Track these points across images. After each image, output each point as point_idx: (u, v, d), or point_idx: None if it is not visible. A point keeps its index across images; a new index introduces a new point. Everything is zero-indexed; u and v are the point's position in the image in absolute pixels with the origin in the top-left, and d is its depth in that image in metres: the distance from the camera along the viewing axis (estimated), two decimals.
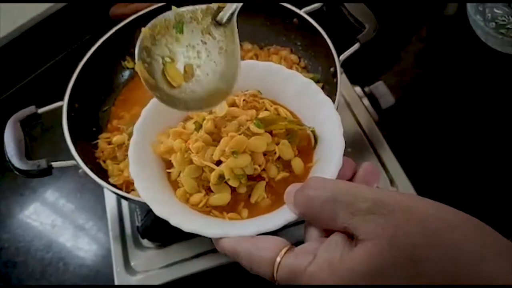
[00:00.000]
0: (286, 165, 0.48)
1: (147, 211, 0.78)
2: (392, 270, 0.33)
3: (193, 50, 0.50)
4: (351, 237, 0.36)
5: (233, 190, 0.47)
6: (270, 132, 0.48)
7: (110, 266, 0.80)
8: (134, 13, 0.85)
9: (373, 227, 0.34)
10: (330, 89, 0.79)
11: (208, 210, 0.47)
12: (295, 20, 0.86)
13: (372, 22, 0.78)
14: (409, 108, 0.96)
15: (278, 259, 0.37)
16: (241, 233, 0.41)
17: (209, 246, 0.77)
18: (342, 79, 0.74)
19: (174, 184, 0.50)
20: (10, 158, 0.71)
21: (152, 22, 0.48)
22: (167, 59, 0.49)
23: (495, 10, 0.88)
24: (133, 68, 0.91)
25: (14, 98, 1.08)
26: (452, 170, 0.86)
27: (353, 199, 0.36)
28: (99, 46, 0.83)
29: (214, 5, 0.49)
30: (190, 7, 0.48)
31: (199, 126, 0.49)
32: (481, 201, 0.80)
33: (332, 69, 0.78)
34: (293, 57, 0.88)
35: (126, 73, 0.91)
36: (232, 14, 0.49)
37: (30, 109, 0.77)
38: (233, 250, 0.41)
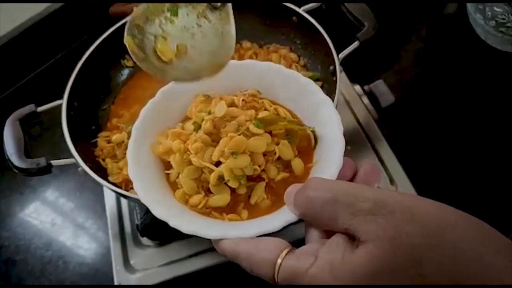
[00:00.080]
0: (286, 165, 0.48)
1: (147, 210, 0.78)
2: (394, 271, 0.33)
3: (188, 32, 0.50)
4: (352, 238, 0.36)
5: (233, 191, 0.46)
6: (270, 132, 0.48)
7: (109, 264, 0.80)
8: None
9: (374, 227, 0.34)
10: (329, 88, 0.79)
11: (208, 211, 0.47)
12: (294, 18, 0.86)
13: (372, 20, 0.78)
14: (409, 107, 0.96)
15: (279, 260, 0.37)
16: (241, 235, 0.41)
17: (208, 244, 0.77)
18: (341, 77, 0.74)
19: (173, 185, 0.49)
20: (9, 157, 0.71)
21: (144, 4, 0.48)
22: (160, 38, 0.49)
23: (495, 9, 0.87)
24: (132, 67, 0.91)
25: (14, 97, 1.08)
26: (452, 169, 0.86)
27: (354, 199, 0.36)
28: (99, 44, 0.83)
29: None
30: None
31: (198, 127, 0.49)
32: (481, 199, 0.80)
33: (331, 68, 0.77)
34: (293, 56, 0.88)
35: (126, 72, 0.91)
36: None
37: (30, 108, 0.77)
38: (233, 251, 0.40)
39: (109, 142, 0.80)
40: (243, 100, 0.51)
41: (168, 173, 0.50)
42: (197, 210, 0.47)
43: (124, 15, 0.85)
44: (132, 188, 0.73)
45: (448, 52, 1.02)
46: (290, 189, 0.42)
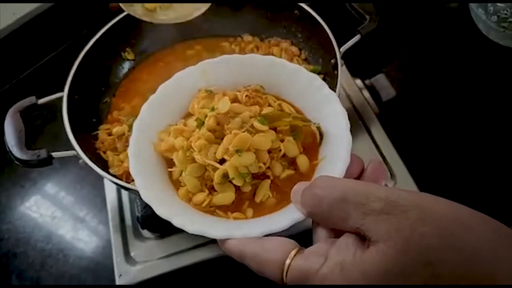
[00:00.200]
0: (291, 162, 0.47)
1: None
2: (407, 271, 0.32)
3: None
4: (362, 238, 0.35)
5: (237, 189, 0.45)
6: (274, 129, 0.47)
7: (109, 257, 0.81)
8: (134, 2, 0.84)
9: (387, 227, 0.33)
10: (330, 81, 0.79)
11: (212, 209, 0.46)
12: (296, 11, 0.85)
13: (373, 14, 0.78)
14: (410, 101, 0.96)
15: (288, 261, 0.36)
16: (247, 234, 0.40)
17: (208, 237, 0.77)
18: (342, 71, 0.74)
19: (176, 183, 0.49)
20: (10, 148, 0.71)
21: None
22: None
23: (498, 4, 0.87)
24: (133, 59, 0.91)
25: (15, 90, 1.07)
26: (453, 163, 0.86)
27: (365, 199, 0.35)
28: (99, 37, 0.83)
29: None
30: None
31: (201, 123, 0.48)
32: (482, 194, 0.80)
33: (333, 61, 0.77)
34: (294, 49, 0.88)
35: (126, 65, 0.91)
36: None
37: (30, 100, 0.77)
38: (240, 252, 0.40)
39: (109, 134, 0.80)
40: (246, 95, 0.50)
41: (171, 171, 0.49)
42: (201, 209, 0.46)
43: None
44: (133, 180, 0.73)
45: (449, 46, 1.01)
46: (297, 187, 0.41)
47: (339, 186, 0.37)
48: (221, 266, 0.79)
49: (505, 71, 0.94)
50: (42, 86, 0.82)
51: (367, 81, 0.93)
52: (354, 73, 0.94)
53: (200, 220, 0.44)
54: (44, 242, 0.89)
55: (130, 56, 0.90)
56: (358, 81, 0.93)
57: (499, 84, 0.94)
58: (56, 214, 0.92)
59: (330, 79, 0.79)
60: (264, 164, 0.45)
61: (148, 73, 0.89)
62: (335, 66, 0.75)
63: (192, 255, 0.79)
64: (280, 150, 0.46)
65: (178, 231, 0.80)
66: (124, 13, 0.84)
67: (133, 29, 0.86)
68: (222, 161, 0.45)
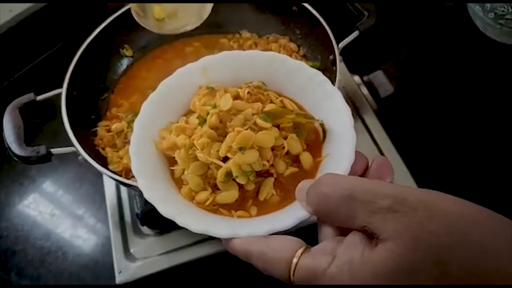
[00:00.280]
0: (294, 160, 0.47)
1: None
2: (416, 269, 0.31)
3: None
4: (369, 236, 0.34)
5: (241, 187, 0.45)
6: (277, 126, 0.46)
7: (109, 255, 0.81)
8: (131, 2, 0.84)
9: (395, 225, 0.32)
10: (329, 77, 0.78)
11: (215, 208, 0.45)
12: (294, 8, 0.85)
13: (372, 10, 0.78)
14: (408, 98, 0.97)
15: (295, 260, 0.36)
16: (252, 233, 0.40)
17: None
18: (341, 67, 0.74)
19: (178, 182, 0.48)
20: (9, 145, 0.71)
21: None
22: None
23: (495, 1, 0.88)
24: (132, 56, 0.91)
25: (13, 87, 1.07)
26: (451, 159, 0.87)
27: (372, 196, 0.34)
28: (98, 34, 0.83)
29: None
30: None
31: (203, 121, 0.47)
32: (481, 190, 0.81)
33: (331, 57, 0.77)
34: (292, 46, 0.88)
35: (125, 61, 0.91)
36: None
37: (29, 96, 0.77)
38: (246, 251, 0.39)
39: (108, 131, 0.81)
40: (248, 92, 0.50)
41: (173, 169, 0.48)
42: (204, 207, 0.45)
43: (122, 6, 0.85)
44: (133, 176, 0.73)
45: (447, 43, 1.02)
46: (302, 185, 0.41)
47: (345, 183, 0.36)
48: (220, 262, 0.79)
49: (502, 68, 0.94)
50: (41, 82, 0.82)
51: (365, 78, 0.93)
52: (352, 70, 0.95)
53: (204, 219, 0.44)
54: (43, 240, 0.89)
55: (129, 52, 0.90)
56: (356, 78, 0.94)
57: (497, 81, 0.94)
58: (55, 212, 0.92)
59: (329, 75, 0.79)
60: (268, 161, 0.45)
61: (147, 70, 0.89)
62: (334, 62, 0.75)
63: (192, 251, 0.79)
64: (284, 148, 0.46)
65: (178, 227, 0.80)
66: (123, 10, 0.84)
67: (131, 25, 0.85)
68: (225, 159, 0.45)
